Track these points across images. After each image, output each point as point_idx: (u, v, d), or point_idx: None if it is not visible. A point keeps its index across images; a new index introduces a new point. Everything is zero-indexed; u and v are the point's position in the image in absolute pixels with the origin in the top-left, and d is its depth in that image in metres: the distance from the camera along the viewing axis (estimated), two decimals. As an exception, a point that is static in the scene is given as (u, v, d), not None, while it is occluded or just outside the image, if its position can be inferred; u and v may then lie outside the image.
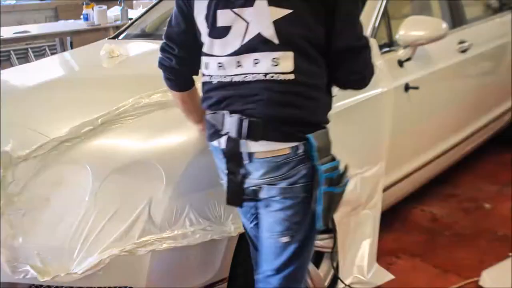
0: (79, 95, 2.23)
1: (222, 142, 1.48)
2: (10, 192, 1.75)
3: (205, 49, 1.49)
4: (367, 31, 2.46)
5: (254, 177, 1.45)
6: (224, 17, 1.42)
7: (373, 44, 2.31)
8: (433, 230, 2.90)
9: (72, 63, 2.93)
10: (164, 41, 1.60)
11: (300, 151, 1.41)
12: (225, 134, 1.46)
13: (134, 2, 6.68)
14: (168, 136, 1.83)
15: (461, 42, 3.00)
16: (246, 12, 1.40)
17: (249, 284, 1.90)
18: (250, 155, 1.43)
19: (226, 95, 1.44)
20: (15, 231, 1.70)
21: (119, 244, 1.60)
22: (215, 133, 1.50)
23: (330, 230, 2.24)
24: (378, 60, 2.34)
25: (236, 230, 1.70)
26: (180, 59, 1.57)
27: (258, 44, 1.39)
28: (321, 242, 2.27)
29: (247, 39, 1.40)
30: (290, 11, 1.37)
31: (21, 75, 2.72)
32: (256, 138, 1.41)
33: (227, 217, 1.72)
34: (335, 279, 2.32)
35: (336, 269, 2.22)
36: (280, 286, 1.55)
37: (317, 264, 2.29)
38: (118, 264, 1.63)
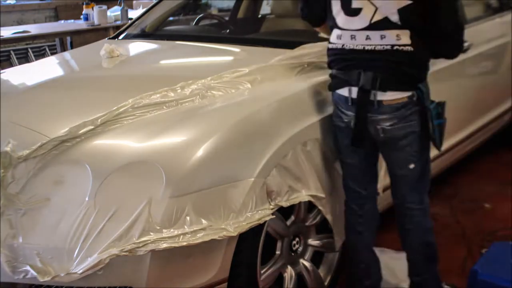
0: (79, 95, 2.23)
1: (353, 92, 1.94)
2: (10, 192, 1.75)
3: (339, 24, 1.95)
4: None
5: (381, 119, 1.92)
6: (357, 1, 1.89)
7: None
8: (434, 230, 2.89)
9: (72, 63, 2.93)
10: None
11: (414, 97, 1.91)
12: (356, 86, 1.92)
13: (134, 2, 6.68)
14: (168, 136, 1.83)
15: (461, 42, 3.00)
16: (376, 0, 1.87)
17: (249, 284, 1.91)
18: (379, 102, 1.91)
19: (359, 58, 1.91)
20: (15, 231, 1.70)
21: (119, 244, 1.60)
22: (344, 85, 1.97)
23: (330, 230, 2.25)
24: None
25: (236, 230, 1.70)
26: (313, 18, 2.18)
27: (385, 25, 1.86)
28: (321, 242, 2.27)
29: (374, 20, 1.87)
30: (410, 2, 1.83)
31: (21, 75, 2.72)
32: (385, 89, 1.89)
33: (227, 217, 1.71)
34: (335, 279, 2.33)
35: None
36: (416, 199, 2.06)
37: (317, 264, 2.29)
38: (118, 264, 1.63)
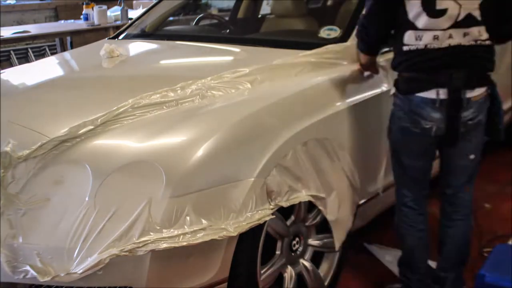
0: (79, 95, 2.23)
1: (441, 93, 1.94)
2: (10, 192, 1.75)
3: (419, 26, 1.92)
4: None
5: (468, 116, 1.97)
6: (442, 2, 1.88)
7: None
8: (433, 230, 2.89)
9: (72, 63, 2.93)
10: (364, 19, 2.09)
11: (489, 91, 2.03)
12: (446, 87, 1.93)
13: (134, 2, 6.68)
14: (168, 136, 1.83)
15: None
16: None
17: (249, 284, 1.91)
18: (468, 100, 1.95)
19: (446, 57, 1.92)
20: (15, 231, 1.70)
21: (119, 244, 1.60)
22: (429, 87, 1.95)
23: (330, 230, 2.24)
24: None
25: (236, 230, 1.70)
26: (378, 36, 2.10)
27: (468, 21, 1.89)
28: (321, 242, 2.27)
29: (460, 18, 1.88)
30: None
31: (21, 75, 2.72)
32: (474, 87, 1.96)
33: (227, 217, 1.71)
34: (335, 279, 2.33)
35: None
36: (469, 190, 2.19)
37: (317, 264, 2.29)
38: (118, 264, 1.63)
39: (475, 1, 1.88)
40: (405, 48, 1.97)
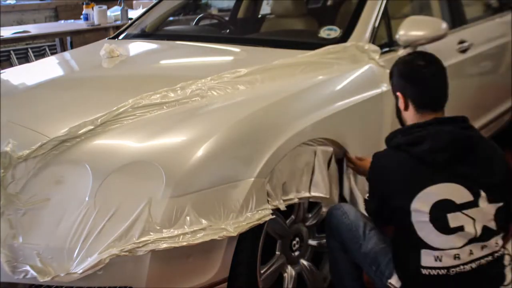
0: (79, 95, 2.23)
1: None
2: (10, 192, 1.75)
3: (435, 245, 1.70)
4: (367, 31, 2.47)
5: None
6: (455, 219, 1.69)
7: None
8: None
9: (72, 63, 2.93)
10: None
11: None
12: None
13: (134, 2, 6.67)
14: (168, 136, 1.83)
15: (461, 42, 3.00)
16: (472, 211, 1.70)
17: (249, 284, 1.91)
18: None
19: (466, 282, 1.71)
20: (15, 231, 1.70)
21: (119, 244, 1.60)
22: None
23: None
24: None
25: (236, 230, 1.70)
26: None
27: (485, 234, 1.71)
28: (321, 242, 2.27)
29: (477, 232, 1.70)
30: (502, 203, 1.73)
31: (21, 75, 2.71)
32: None
33: (227, 217, 1.71)
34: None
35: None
36: None
37: (317, 264, 2.29)
38: (118, 264, 1.63)
39: (488, 212, 1.72)
40: (424, 271, 1.71)
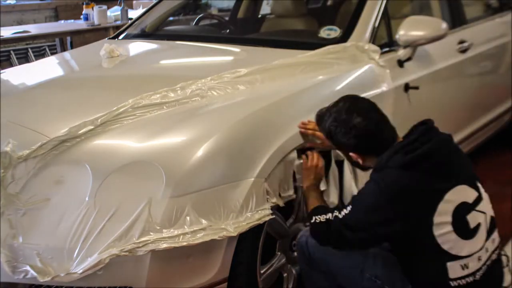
0: (79, 95, 2.23)
1: None
2: (10, 192, 1.75)
3: (464, 253, 1.64)
4: (367, 31, 2.47)
5: None
6: (472, 219, 1.67)
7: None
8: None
9: (72, 63, 2.93)
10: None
11: None
12: None
13: (134, 2, 6.67)
14: (168, 136, 1.83)
15: (461, 42, 3.00)
16: (481, 205, 1.70)
17: (249, 284, 1.91)
18: None
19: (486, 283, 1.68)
20: (15, 231, 1.70)
21: (119, 244, 1.60)
22: None
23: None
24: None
25: (236, 230, 1.70)
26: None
27: (491, 225, 1.72)
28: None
29: (488, 225, 1.71)
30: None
31: (21, 75, 2.71)
32: None
33: (227, 217, 1.71)
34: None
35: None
36: None
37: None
38: (118, 264, 1.63)
39: (488, 201, 1.75)
40: (453, 284, 1.65)
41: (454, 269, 1.64)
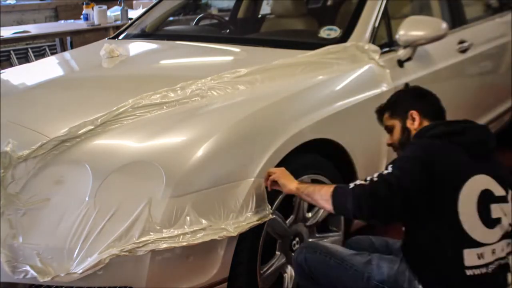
0: (79, 95, 2.23)
1: None
2: (10, 192, 1.75)
3: (479, 239, 1.62)
4: (367, 31, 2.47)
5: None
6: (495, 210, 1.65)
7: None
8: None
9: (72, 63, 2.93)
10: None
11: None
12: None
13: (134, 2, 6.67)
14: (168, 136, 1.83)
15: (461, 42, 3.00)
16: (504, 206, 1.68)
17: (249, 284, 1.91)
18: None
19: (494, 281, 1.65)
20: (15, 231, 1.70)
21: (119, 244, 1.60)
22: None
23: (331, 230, 2.25)
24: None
25: (236, 230, 1.70)
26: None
27: (507, 233, 1.68)
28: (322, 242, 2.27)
29: (508, 228, 1.68)
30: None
31: (21, 75, 2.72)
32: None
33: (227, 217, 1.71)
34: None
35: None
36: None
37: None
38: (118, 264, 1.63)
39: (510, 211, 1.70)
40: (469, 272, 1.61)
41: (470, 257, 1.61)
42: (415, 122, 1.86)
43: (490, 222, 1.63)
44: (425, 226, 1.65)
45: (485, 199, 1.64)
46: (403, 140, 1.88)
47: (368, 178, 1.64)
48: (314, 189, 1.75)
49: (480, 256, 1.62)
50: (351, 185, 1.65)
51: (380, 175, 1.62)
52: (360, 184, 1.63)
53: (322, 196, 1.70)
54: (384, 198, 1.57)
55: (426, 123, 1.85)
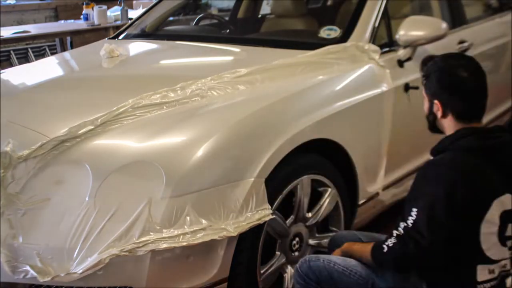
0: (79, 95, 2.23)
1: None
2: (10, 192, 1.75)
3: (494, 257, 1.62)
4: (367, 31, 2.47)
5: None
6: (511, 228, 1.64)
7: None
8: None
9: (72, 63, 2.93)
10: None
11: None
12: None
13: (134, 2, 6.67)
14: (168, 136, 1.83)
15: (461, 42, 3.00)
16: None
17: (249, 284, 1.91)
18: None
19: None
20: (15, 231, 1.70)
21: (119, 244, 1.60)
22: None
23: (331, 230, 2.25)
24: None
25: (236, 230, 1.70)
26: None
27: None
28: (322, 242, 2.27)
29: None
30: None
31: (21, 75, 2.71)
32: None
33: (227, 217, 1.71)
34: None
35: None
36: None
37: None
38: (118, 264, 1.63)
39: None
40: (479, 287, 1.63)
41: (482, 272, 1.62)
42: (439, 112, 1.73)
43: (504, 239, 1.64)
44: (444, 245, 1.61)
45: (506, 219, 1.63)
46: (430, 120, 1.80)
47: (395, 234, 1.63)
48: (360, 248, 1.80)
49: (491, 272, 1.63)
50: (385, 248, 1.64)
51: (406, 229, 1.60)
52: (392, 247, 1.63)
53: (368, 260, 1.75)
54: (416, 257, 1.60)
55: (454, 121, 1.70)
